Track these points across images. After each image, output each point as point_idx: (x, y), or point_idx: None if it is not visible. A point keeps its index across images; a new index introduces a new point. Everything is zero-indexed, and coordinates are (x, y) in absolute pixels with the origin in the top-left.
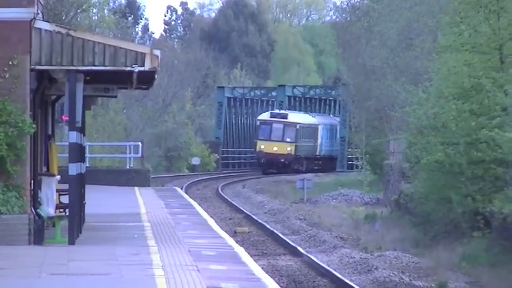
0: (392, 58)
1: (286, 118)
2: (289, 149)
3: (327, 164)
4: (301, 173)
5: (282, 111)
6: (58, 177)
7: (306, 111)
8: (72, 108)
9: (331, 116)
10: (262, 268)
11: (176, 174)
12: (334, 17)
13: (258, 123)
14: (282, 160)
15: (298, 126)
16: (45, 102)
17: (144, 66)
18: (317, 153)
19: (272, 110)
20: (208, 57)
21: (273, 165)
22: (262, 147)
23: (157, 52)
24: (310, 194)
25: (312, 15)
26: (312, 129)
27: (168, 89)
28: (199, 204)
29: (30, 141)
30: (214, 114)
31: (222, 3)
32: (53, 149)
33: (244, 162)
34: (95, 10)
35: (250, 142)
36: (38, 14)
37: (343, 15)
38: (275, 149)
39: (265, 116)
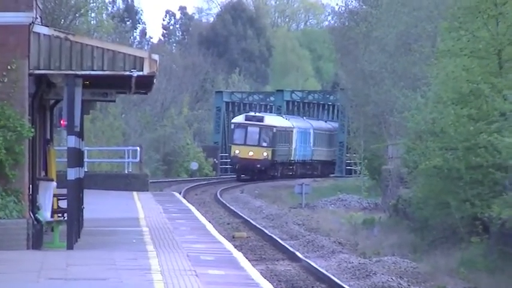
0: (390, 63)
1: (263, 121)
2: (265, 153)
3: (300, 169)
4: (276, 179)
5: (257, 114)
6: (54, 184)
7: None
8: (71, 112)
9: (304, 118)
10: (260, 273)
11: (174, 179)
12: (332, 22)
13: (232, 126)
14: (258, 166)
15: (275, 130)
16: (43, 106)
17: (142, 70)
18: (291, 158)
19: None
20: (207, 61)
21: (248, 171)
22: (237, 152)
23: (155, 57)
24: (309, 199)
25: (310, 20)
26: (287, 133)
27: (167, 93)
28: (197, 209)
29: (28, 145)
30: (212, 118)
31: (221, 8)
32: (52, 153)
33: None
34: (93, 14)
35: None
36: (37, 18)
37: (341, 20)
38: (250, 153)
39: (239, 119)
